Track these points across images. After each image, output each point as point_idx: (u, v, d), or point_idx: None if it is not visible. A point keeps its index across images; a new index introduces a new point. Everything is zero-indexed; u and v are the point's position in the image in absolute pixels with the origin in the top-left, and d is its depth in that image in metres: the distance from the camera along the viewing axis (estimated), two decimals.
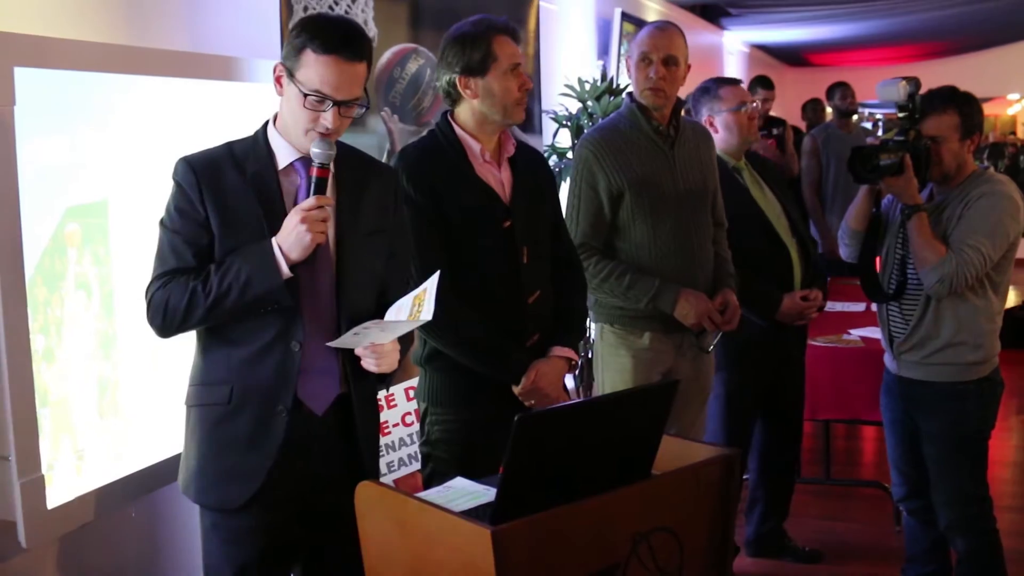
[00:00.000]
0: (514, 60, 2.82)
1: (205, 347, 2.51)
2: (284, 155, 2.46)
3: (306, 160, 2.42)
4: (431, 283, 2.49)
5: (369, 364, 2.47)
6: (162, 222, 2.45)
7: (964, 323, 3.39)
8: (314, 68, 2.33)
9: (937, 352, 3.44)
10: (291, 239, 2.34)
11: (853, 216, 3.64)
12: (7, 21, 2.77)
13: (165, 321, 2.41)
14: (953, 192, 3.43)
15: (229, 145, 2.48)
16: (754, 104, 4.12)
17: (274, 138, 2.47)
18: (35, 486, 2.72)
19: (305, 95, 2.34)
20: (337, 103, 2.35)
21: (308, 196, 2.37)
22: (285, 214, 2.38)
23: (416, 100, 3.91)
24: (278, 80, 2.41)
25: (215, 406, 2.47)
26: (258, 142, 2.47)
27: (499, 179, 2.95)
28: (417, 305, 2.54)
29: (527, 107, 4.28)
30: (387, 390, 3.75)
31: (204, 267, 2.38)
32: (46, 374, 2.78)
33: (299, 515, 2.52)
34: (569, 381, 6.05)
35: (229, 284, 2.33)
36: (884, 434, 5.84)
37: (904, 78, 3.39)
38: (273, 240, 2.36)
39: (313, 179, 2.37)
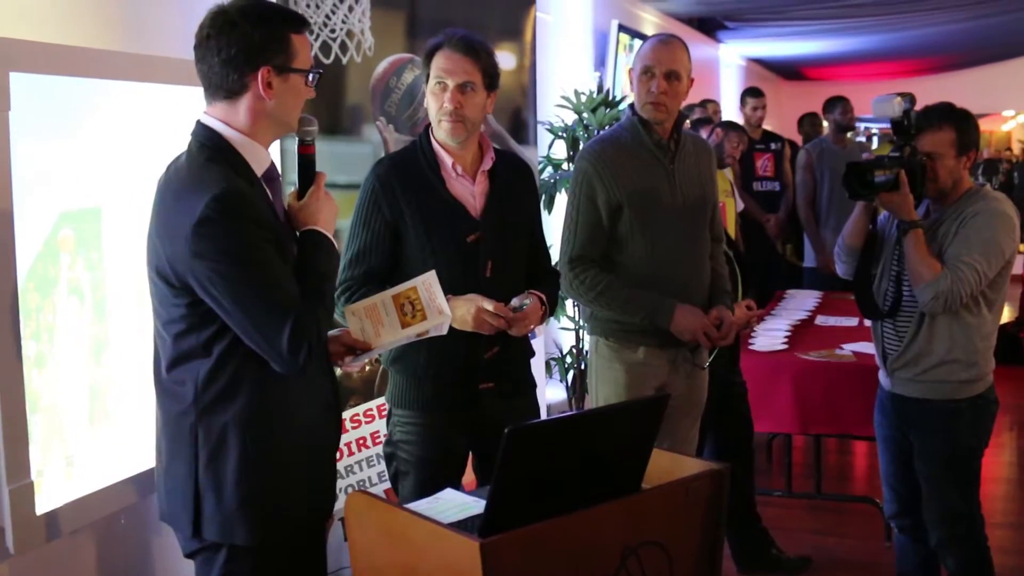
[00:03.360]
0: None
1: None
2: (261, 160, 2.31)
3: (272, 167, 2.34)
4: (425, 281, 2.54)
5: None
6: (250, 260, 2.17)
7: (958, 341, 3.39)
8: (304, 45, 2.28)
9: (930, 370, 3.43)
10: (332, 217, 2.37)
11: (849, 232, 3.63)
12: (3, 26, 2.77)
13: (317, 348, 2.24)
14: (948, 209, 3.42)
15: (218, 162, 2.24)
16: (701, 123, 4.15)
17: (244, 145, 2.27)
18: (24, 492, 2.71)
19: (312, 71, 2.29)
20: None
21: (301, 174, 2.37)
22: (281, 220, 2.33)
23: (412, 110, 3.91)
24: (267, 84, 2.22)
25: None
26: (231, 154, 2.26)
27: (471, 192, 2.96)
28: (409, 304, 2.57)
29: (523, 118, 4.31)
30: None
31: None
32: (37, 380, 2.78)
33: None
34: (562, 392, 6.07)
35: (330, 280, 2.37)
36: (876, 450, 5.87)
37: (899, 94, 3.39)
38: (317, 229, 2.34)
39: (306, 156, 2.37)
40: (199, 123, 2.27)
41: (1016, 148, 21.73)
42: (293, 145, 2.42)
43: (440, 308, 2.56)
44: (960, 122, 3.41)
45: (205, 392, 2.21)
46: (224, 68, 2.21)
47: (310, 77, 2.28)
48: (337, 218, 2.40)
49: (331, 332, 2.52)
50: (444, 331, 2.60)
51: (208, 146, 2.23)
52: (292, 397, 2.26)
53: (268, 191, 2.29)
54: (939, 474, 3.47)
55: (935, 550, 3.57)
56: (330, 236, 2.34)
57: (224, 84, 2.22)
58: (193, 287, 2.14)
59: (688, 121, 5.52)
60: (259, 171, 2.28)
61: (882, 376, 3.65)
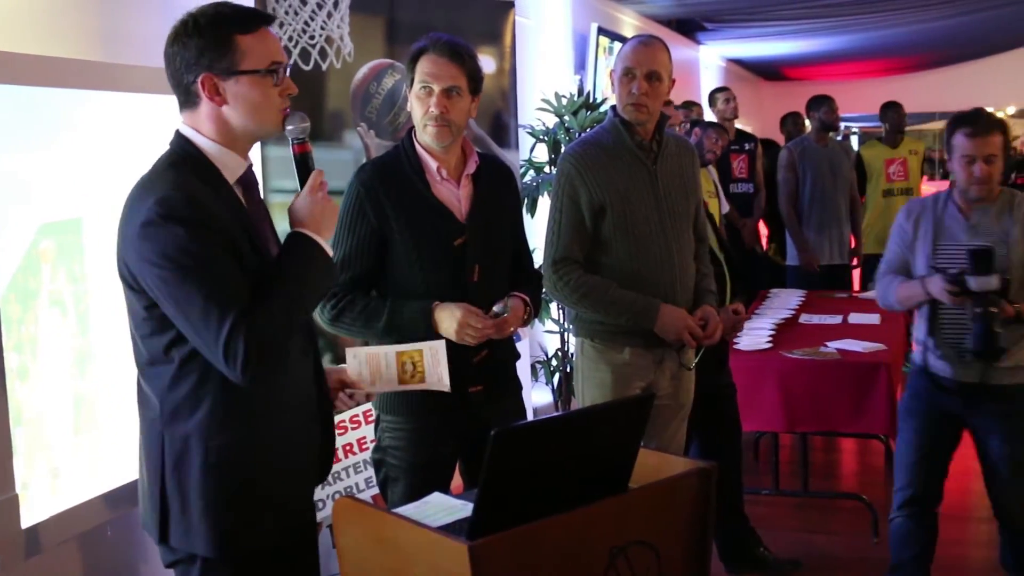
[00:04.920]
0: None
1: None
2: (234, 167, 2.26)
3: (250, 171, 2.31)
4: (433, 348, 2.58)
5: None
6: (193, 263, 2.10)
7: None
8: (259, 43, 2.19)
9: None
10: (324, 219, 2.26)
11: (904, 304, 3.80)
12: None
13: (271, 354, 2.14)
14: (993, 208, 3.65)
15: (179, 168, 2.21)
16: (684, 123, 4.17)
17: (215, 152, 2.24)
18: (9, 505, 2.70)
19: (269, 70, 2.20)
20: (287, 67, 2.27)
21: (298, 175, 2.30)
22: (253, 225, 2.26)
23: (393, 115, 3.92)
24: (214, 91, 2.18)
25: None
26: (200, 160, 2.22)
27: (456, 196, 2.96)
28: (411, 363, 2.59)
29: (504, 121, 4.32)
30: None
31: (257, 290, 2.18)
32: (20, 392, 2.77)
33: None
34: (548, 396, 6.08)
35: (299, 284, 2.21)
36: (862, 447, 5.89)
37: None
38: (299, 230, 2.25)
39: (300, 156, 2.29)
40: (175, 131, 2.26)
41: None
42: (275, 152, 2.42)
43: (440, 377, 2.58)
44: (1003, 127, 3.65)
45: (168, 399, 2.20)
46: (175, 79, 2.22)
47: (273, 75, 2.21)
48: (335, 219, 2.33)
49: (330, 367, 2.52)
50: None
51: (176, 152, 2.23)
52: (259, 406, 2.21)
53: (241, 196, 2.26)
54: None
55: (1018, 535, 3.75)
56: (315, 238, 2.24)
57: (181, 94, 2.23)
58: (146, 290, 2.14)
59: (687, 122, 5.54)
60: (232, 177, 2.25)
61: (945, 367, 3.71)
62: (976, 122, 3.58)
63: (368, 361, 2.59)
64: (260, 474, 2.22)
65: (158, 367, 2.20)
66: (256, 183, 2.34)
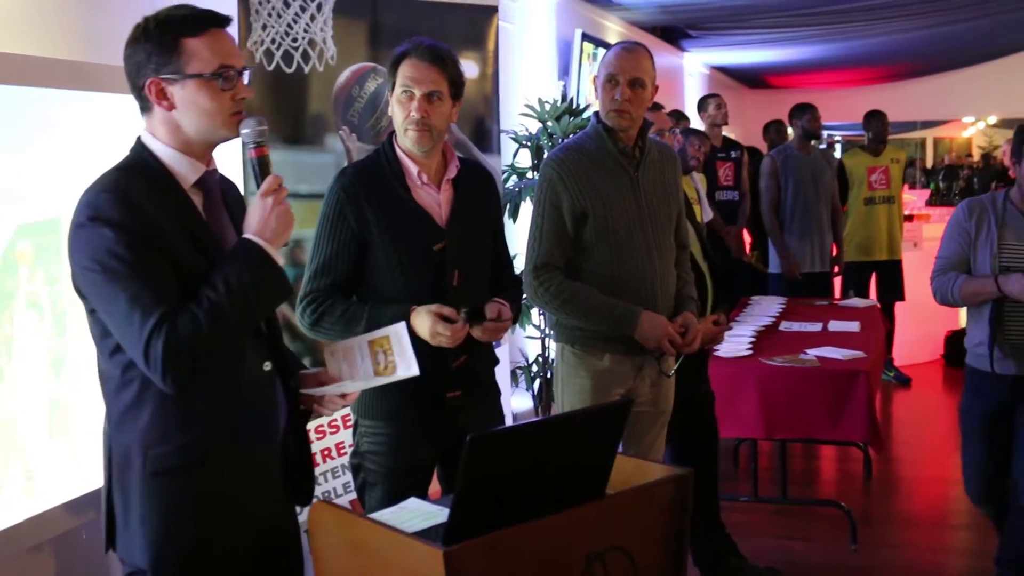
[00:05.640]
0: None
1: None
2: (188, 172, 2.21)
3: (209, 175, 2.25)
4: (395, 332, 2.53)
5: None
6: (120, 266, 2.05)
7: None
8: (206, 47, 2.15)
9: None
10: (273, 224, 2.17)
11: (968, 300, 3.87)
12: None
13: (192, 360, 2.06)
14: None
15: (126, 172, 2.17)
16: (675, 130, 4.18)
17: (169, 157, 2.20)
18: None
19: (215, 74, 2.14)
20: (241, 70, 2.20)
21: (256, 179, 2.22)
22: (210, 228, 2.22)
23: (375, 119, 3.91)
24: (161, 95, 2.15)
25: None
26: (151, 165, 2.19)
27: (436, 200, 2.96)
28: (383, 352, 2.57)
29: (486, 127, 4.32)
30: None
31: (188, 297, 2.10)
32: None
33: None
34: (528, 401, 6.08)
35: (236, 289, 2.10)
36: (841, 454, 5.90)
37: None
38: (245, 235, 2.17)
39: (256, 160, 2.21)
40: (136, 137, 2.23)
41: (976, 154, 21.99)
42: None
43: (409, 363, 2.56)
44: None
45: (114, 406, 2.18)
46: (130, 83, 2.20)
47: (221, 78, 2.15)
48: (290, 227, 2.21)
49: (306, 371, 2.46)
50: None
51: (129, 158, 2.20)
52: (202, 415, 2.15)
53: (200, 201, 2.22)
54: None
55: None
56: (259, 243, 2.16)
57: (137, 99, 2.21)
58: (84, 293, 2.12)
59: (680, 131, 5.55)
60: (187, 182, 2.20)
61: (1008, 366, 3.82)
62: None
63: (344, 356, 2.58)
64: (203, 485, 2.16)
65: (107, 374, 2.19)
66: (215, 188, 2.28)
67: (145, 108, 2.20)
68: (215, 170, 2.28)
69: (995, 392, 3.87)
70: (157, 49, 2.14)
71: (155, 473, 2.13)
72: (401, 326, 2.59)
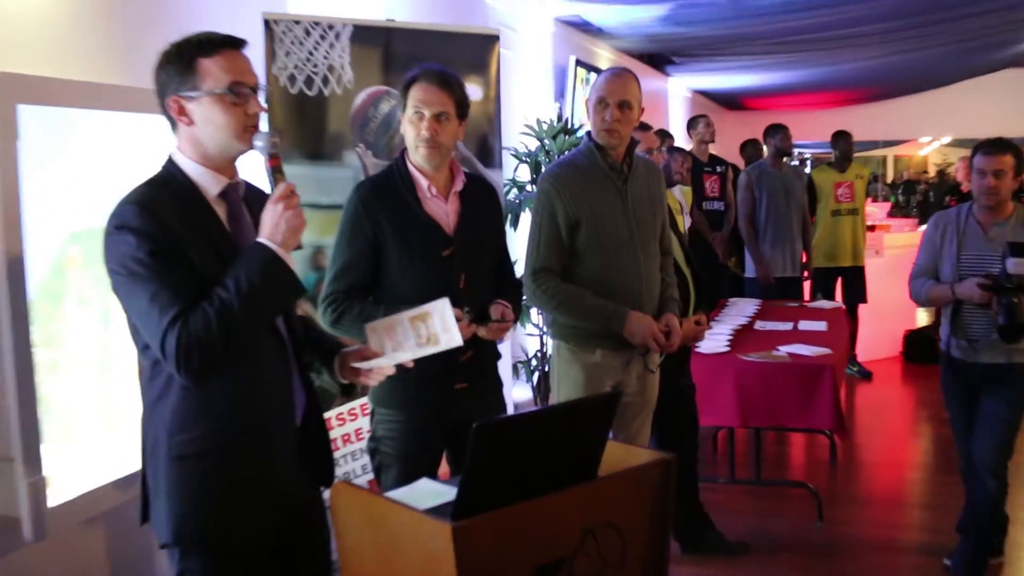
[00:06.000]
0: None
1: None
2: (211, 184, 2.22)
3: (231, 187, 2.25)
4: (439, 308, 2.53)
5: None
6: (141, 269, 2.07)
7: None
8: (219, 66, 2.15)
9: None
10: (283, 228, 2.15)
11: (934, 303, 4.13)
12: (11, 62, 2.76)
13: (203, 354, 2.06)
14: (1011, 219, 3.94)
15: (155, 185, 2.19)
16: (661, 148, 4.21)
17: (194, 171, 2.21)
18: (38, 486, 2.70)
19: (227, 90, 2.15)
20: (254, 88, 2.20)
21: (271, 187, 2.20)
22: (230, 236, 2.22)
23: (388, 137, 3.92)
24: (180, 111, 2.17)
25: None
26: (178, 179, 2.20)
27: (444, 211, 2.97)
28: (424, 326, 2.57)
29: (489, 144, 4.33)
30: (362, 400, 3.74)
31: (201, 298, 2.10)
32: (50, 384, 2.77)
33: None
34: (528, 392, 6.09)
35: (244, 289, 2.09)
36: (809, 440, 5.92)
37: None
38: (258, 239, 2.16)
39: (270, 170, 2.21)
40: (168, 154, 2.24)
41: (932, 171, 21.99)
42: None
43: (451, 333, 2.54)
44: (1015, 151, 3.93)
45: (147, 395, 2.20)
46: (159, 103, 2.21)
47: (232, 94, 2.15)
48: (300, 231, 2.19)
49: (347, 349, 2.45)
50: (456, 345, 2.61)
51: (160, 172, 2.22)
52: (221, 406, 2.15)
53: (220, 211, 2.22)
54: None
55: (983, 474, 3.99)
56: (270, 245, 2.14)
57: (165, 118, 2.22)
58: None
59: (665, 149, 5.55)
60: (211, 193, 2.21)
61: (967, 354, 4.00)
62: (991, 144, 3.93)
63: (386, 332, 2.58)
64: (222, 470, 2.16)
65: (140, 367, 2.21)
66: (238, 198, 2.27)
67: (173, 126, 2.22)
68: (238, 182, 2.28)
69: (961, 373, 4.07)
70: (177, 69, 2.16)
71: (177, 458, 2.15)
72: (444, 301, 2.58)
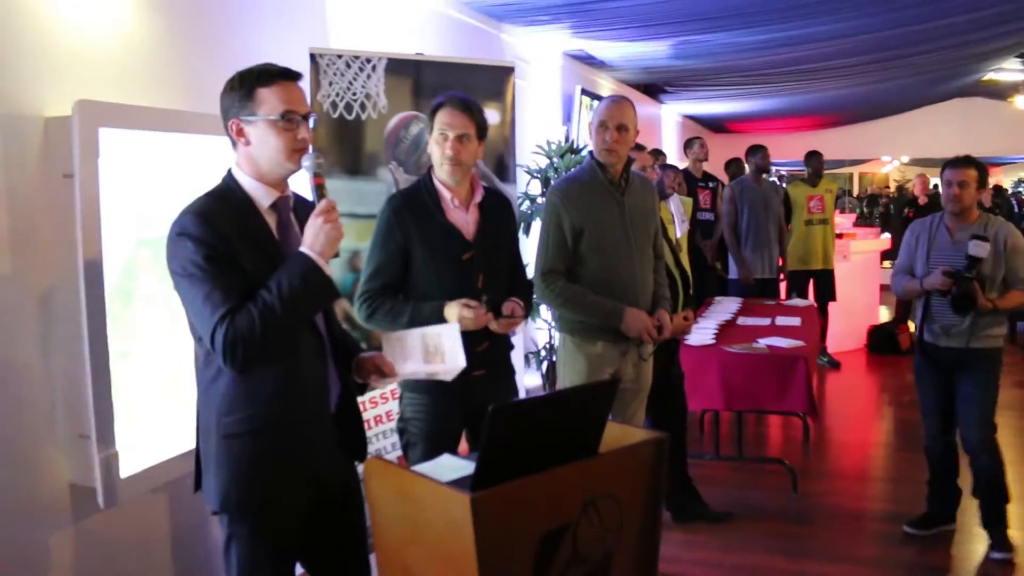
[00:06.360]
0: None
1: None
2: (263, 197, 2.21)
3: (281, 200, 2.24)
4: (449, 330, 2.52)
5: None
6: (197, 272, 2.08)
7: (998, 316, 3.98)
8: (275, 95, 2.15)
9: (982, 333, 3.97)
10: (321, 240, 2.14)
11: (907, 294, 4.16)
12: (93, 91, 2.77)
13: (247, 348, 2.06)
14: (973, 226, 3.97)
15: (214, 196, 2.19)
16: (655, 166, 4.19)
17: (249, 185, 2.21)
18: (111, 459, 2.70)
19: (281, 116, 2.14)
20: (305, 116, 2.20)
21: (315, 202, 2.19)
22: (279, 243, 2.21)
23: (417, 156, 3.90)
24: (239, 133, 2.18)
25: None
26: (234, 191, 2.20)
27: (465, 220, 2.95)
28: (434, 344, 2.56)
29: (505, 162, 4.31)
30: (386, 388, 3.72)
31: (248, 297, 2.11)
32: (121, 371, 2.77)
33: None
34: (538, 379, 6.07)
35: (284, 292, 2.08)
36: (786, 421, 5.86)
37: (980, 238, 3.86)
38: (300, 249, 2.15)
39: (314, 188, 2.21)
40: (228, 169, 2.25)
41: (892, 186, 21.89)
42: (329, 183, 2.35)
43: (456, 356, 2.53)
44: (977, 166, 3.99)
45: (202, 378, 2.19)
46: (223, 124, 2.21)
47: (284, 120, 2.14)
48: (337, 243, 2.17)
49: (364, 355, 2.44)
50: (451, 378, 2.59)
51: (219, 185, 2.22)
52: (265, 392, 2.14)
53: (270, 221, 2.21)
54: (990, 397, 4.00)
55: (972, 451, 4.02)
56: (310, 255, 2.13)
57: (228, 137, 2.22)
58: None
59: (658, 166, 5.51)
60: (263, 205, 2.20)
61: (936, 339, 4.05)
62: (957, 160, 4.01)
63: (399, 344, 2.57)
64: (265, 447, 2.15)
65: (197, 356, 2.21)
66: (288, 210, 2.26)
67: (233, 144, 2.22)
68: (289, 196, 2.27)
69: (931, 356, 4.09)
70: (239, 96, 2.16)
71: (226, 436, 2.15)
72: (455, 326, 2.59)
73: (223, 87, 2.19)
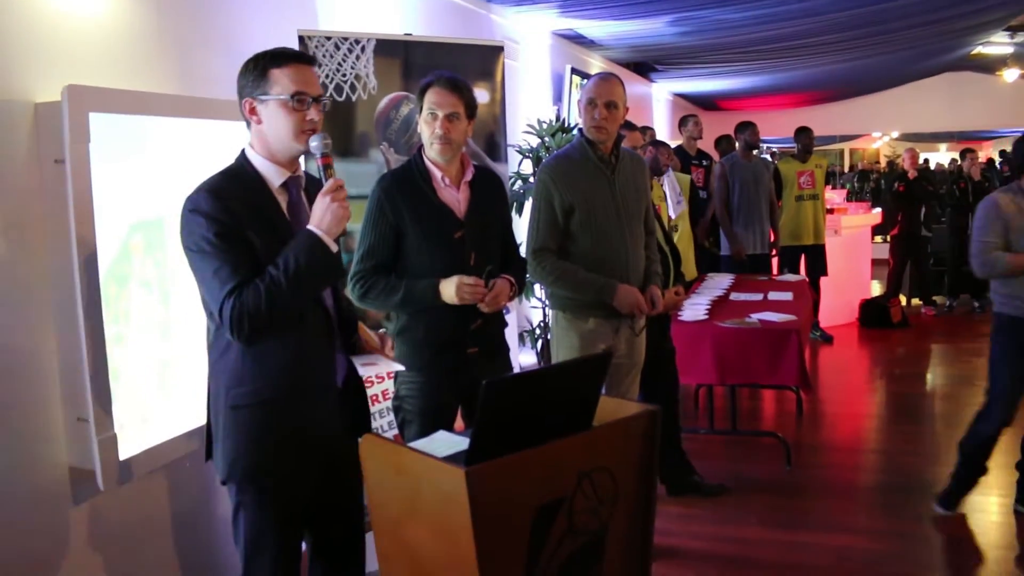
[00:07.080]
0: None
1: None
2: (274, 176, 2.25)
3: (292, 179, 2.27)
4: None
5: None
6: (208, 247, 2.11)
7: None
8: (287, 76, 2.19)
9: None
10: (328, 218, 2.17)
11: (1015, 272, 3.81)
12: (82, 76, 2.75)
13: (253, 322, 2.10)
14: None
15: (227, 175, 2.23)
16: (647, 147, 4.19)
17: (261, 165, 2.25)
18: (109, 442, 2.71)
19: (291, 97, 2.18)
20: (316, 98, 2.23)
21: (323, 181, 2.22)
22: (288, 221, 2.25)
23: (408, 136, 3.90)
24: (252, 111, 2.22)
25: None
26: (247, 170, 2.24)
27: (456, 198, 2.94)
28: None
29: (496, 141, 4.30)
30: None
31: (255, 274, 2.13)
32: (118, 354, 2.77)
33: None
34: (532, 357, 6.08)
35: (291, 268, 2.12)
36: (779, 395, 5.89)
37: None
38: (307, 226, 2.18)
39: (322, 167, 2.23)
40: (241, 149, 2.28)
41: (883, 161, 21.88)
42: (336, 165, 2.36)
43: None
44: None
45: (212, 351, 2.24)
46: (239, 103, 2.25)
47: (294, 101, 2.18)
48: (344, 222, 2.20)
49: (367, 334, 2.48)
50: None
51: (232, 164, 2.26)
52: (271, 366, 2.18)
53: (281, 199, 2.25)
54: None
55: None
56: (317, 232, 2.16)
57: (242, 116, 2.26)
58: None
59: (650, 144, 5.50)
60: (274, 184, 2.24)
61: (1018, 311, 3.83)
62: None
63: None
64: (270, 419, 2.20)
65: (208, 327, 2.25)
66: (298, 189, 2.30)
67: (247, 124, 2.26)
68: (299, 176, 2.31)
69: (1019, 331, 3.88)
70: (253, 76, 2.21)
71: (234, 407, 2.20)
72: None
73: (240, 69, 2.23)
